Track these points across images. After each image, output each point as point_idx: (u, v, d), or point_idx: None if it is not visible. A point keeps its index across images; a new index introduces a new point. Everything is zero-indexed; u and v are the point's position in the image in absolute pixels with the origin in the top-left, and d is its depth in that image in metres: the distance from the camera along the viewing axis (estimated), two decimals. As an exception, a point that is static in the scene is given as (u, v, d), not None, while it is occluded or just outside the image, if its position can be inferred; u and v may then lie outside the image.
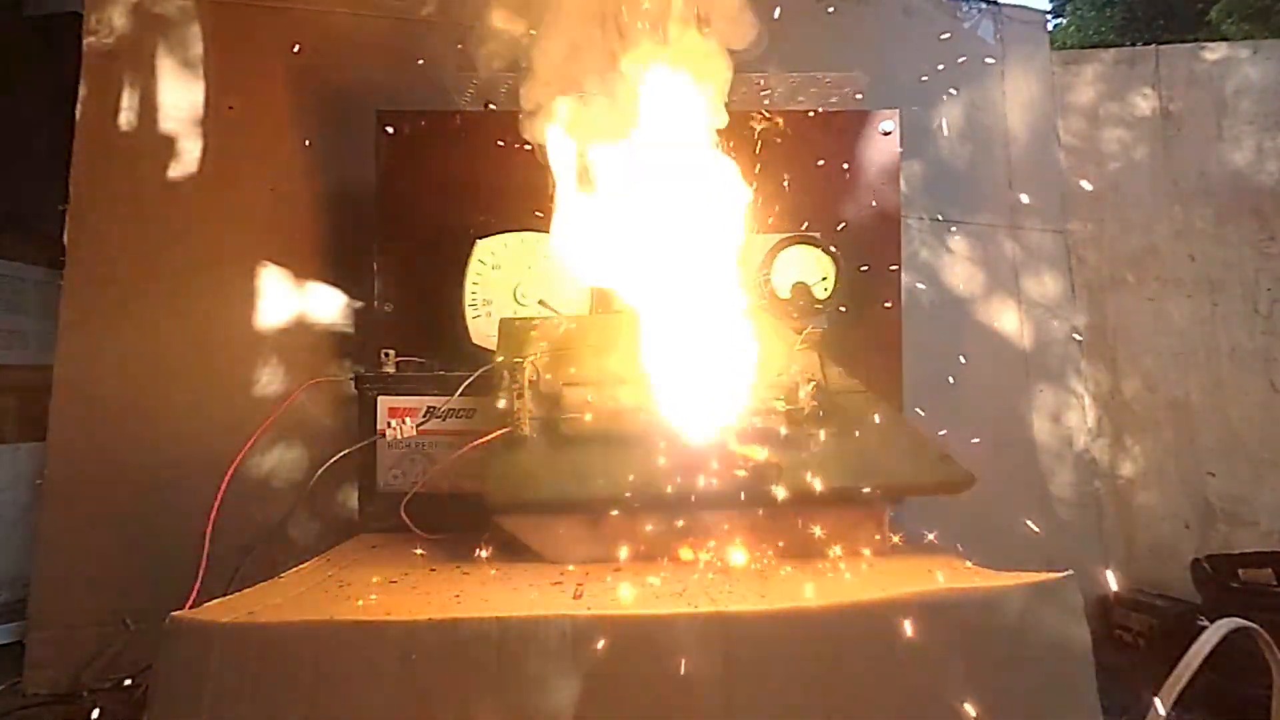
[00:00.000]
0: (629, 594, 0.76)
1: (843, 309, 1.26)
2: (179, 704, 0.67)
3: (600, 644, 0.65)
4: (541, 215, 1.14)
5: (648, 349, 0.97)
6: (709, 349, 0.96)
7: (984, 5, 2.03)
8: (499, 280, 1.27)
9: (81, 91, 1.50)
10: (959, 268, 1.91)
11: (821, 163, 1.33)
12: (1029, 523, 1.77)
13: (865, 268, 1.30)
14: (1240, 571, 1.63)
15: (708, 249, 1.02)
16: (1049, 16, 6.50)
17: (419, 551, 0.96)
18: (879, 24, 1.92)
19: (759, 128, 1.29)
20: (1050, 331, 1.96)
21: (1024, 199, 1.95)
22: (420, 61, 1.46)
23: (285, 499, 1.39)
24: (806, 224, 1.30)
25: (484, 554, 0.91)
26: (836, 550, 0.91)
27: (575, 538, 0.91)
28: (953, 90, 1.92)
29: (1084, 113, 2.06)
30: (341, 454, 1.05)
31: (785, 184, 1.29)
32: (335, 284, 1.57)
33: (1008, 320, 1.93)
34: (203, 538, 0.90)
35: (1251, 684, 0.94)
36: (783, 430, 0.96)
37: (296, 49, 1.56)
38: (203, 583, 0.87)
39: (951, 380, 1.75)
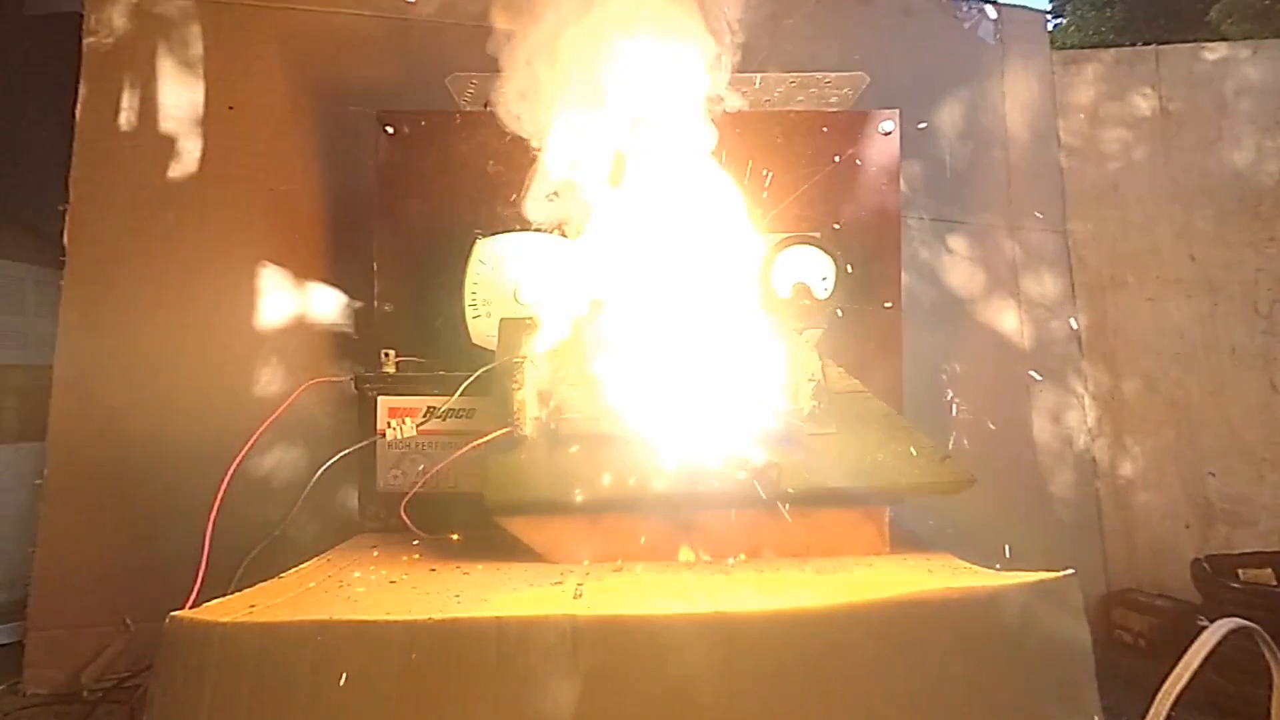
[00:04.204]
0: (629, 594, 0.76)
1: (840, 312, 1.26)
2: (179, 704, 0.67)
3: (600, 644, 0.65)
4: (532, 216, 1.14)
5: (648, 349, 0.97)
6: (709, 349, 0.96)
7: (984, 5, 2.03)
8: (499, 280, 1.27)
9: (81, 91, 1.50)
10: (959, 268, 1.91)
11: (822, 163, 1.33)
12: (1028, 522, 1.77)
13: (850, 268, 1.29)
14: (1240, 571, 1.63)
15: (708, 250, 1.02)
16: (1049, 16, 6.51)
17: (414, 546, 0.96)
18: (879, 24, 1.92)
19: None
20: (1050, 331, 1.96)
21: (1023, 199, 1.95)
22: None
23: (285, 499, 1.38)
24: (806, 224, 1.30)
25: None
26: (837, 550, 0.91)
27: (575, 538, 0.91)
28: (953, 90, 1.92)
29: (1084, 113, 2.06)
30: (341, 454, 1.05)
31: (786, 184, 1.29)
32: (335, 284, 1.57)
33: (1008, 320, 1.93)
34: (203, 538, 0.90)
35: (1251, 684, 0.94)
36: (783, 430, 0.96)
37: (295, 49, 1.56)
38: (203, 583, 0.87)
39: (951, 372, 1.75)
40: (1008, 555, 0.79)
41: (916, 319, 1.60)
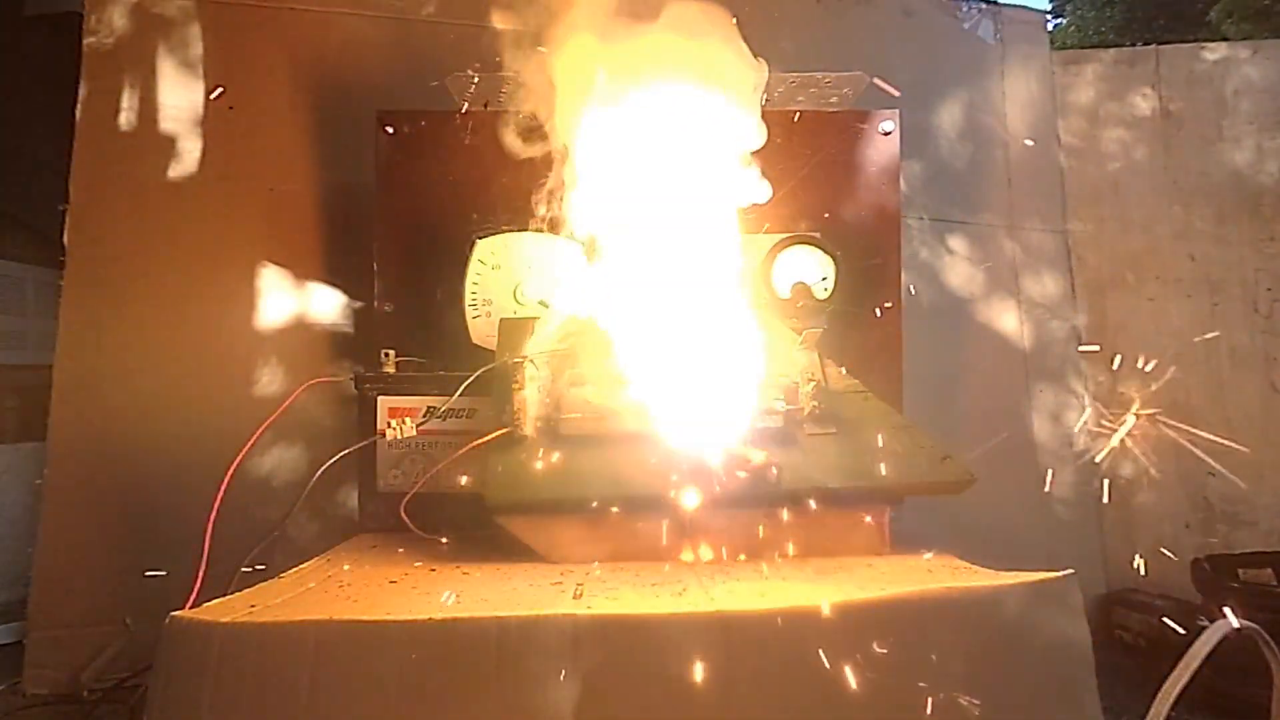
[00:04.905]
0: (629, 594, 0.76)
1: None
2: (179, 704, 0.67)
3: (600, 644, 0.65)
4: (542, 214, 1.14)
5: (647, 350, 0.97)
6: (709, 349, 0.96)
7: (984, 5, 2.03)
8: (499, 280, 1.27)
9: (81, 91, 1.50)
10: (959, 268, 1.91)
11: (821, 163, 1.33)
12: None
13: (873, 260, 1.29)
14: (1240, 571, 1.63)
15: (708, 248, 1.02)
16: (1049, 16, 6.51)
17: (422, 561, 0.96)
18: (879, 24, 1.92)
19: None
20: (1050, 331, 1.96)
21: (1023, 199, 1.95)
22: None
23: (285, 499, 1.39)
24: (806, 224, 1.30)
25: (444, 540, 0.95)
26: (837, 550, 0.91)
27: (575, 538, 0.91)
28: (953, 90, 1.93)
29: (1084, 113, 2.06)
30: (341, 454, 1.05)
31: (785, 184, 1.29)
32: (335, 284, 1.57)
33: (1008, 320, 1.93)
34: (203, 538, 0.90)
35: (1251, 684, 0.93)
36: (783, 430, 0.96)
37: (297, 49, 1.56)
38: (203, 583, 0.87)
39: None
40: (1008, 556, 0.78)
41: (916, 319, 1.59)
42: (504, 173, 1.22)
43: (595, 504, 0.90)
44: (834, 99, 1.37)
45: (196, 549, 0.90)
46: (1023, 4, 2.11)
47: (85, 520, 1.43)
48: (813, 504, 0.91)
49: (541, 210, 1.13)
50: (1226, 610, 0.82)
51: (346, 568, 0.89)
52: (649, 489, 0.90)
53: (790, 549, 0.90)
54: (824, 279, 1.27)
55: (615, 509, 0.90)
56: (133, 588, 1.40)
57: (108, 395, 1.46)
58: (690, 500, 0.90)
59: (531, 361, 0.98)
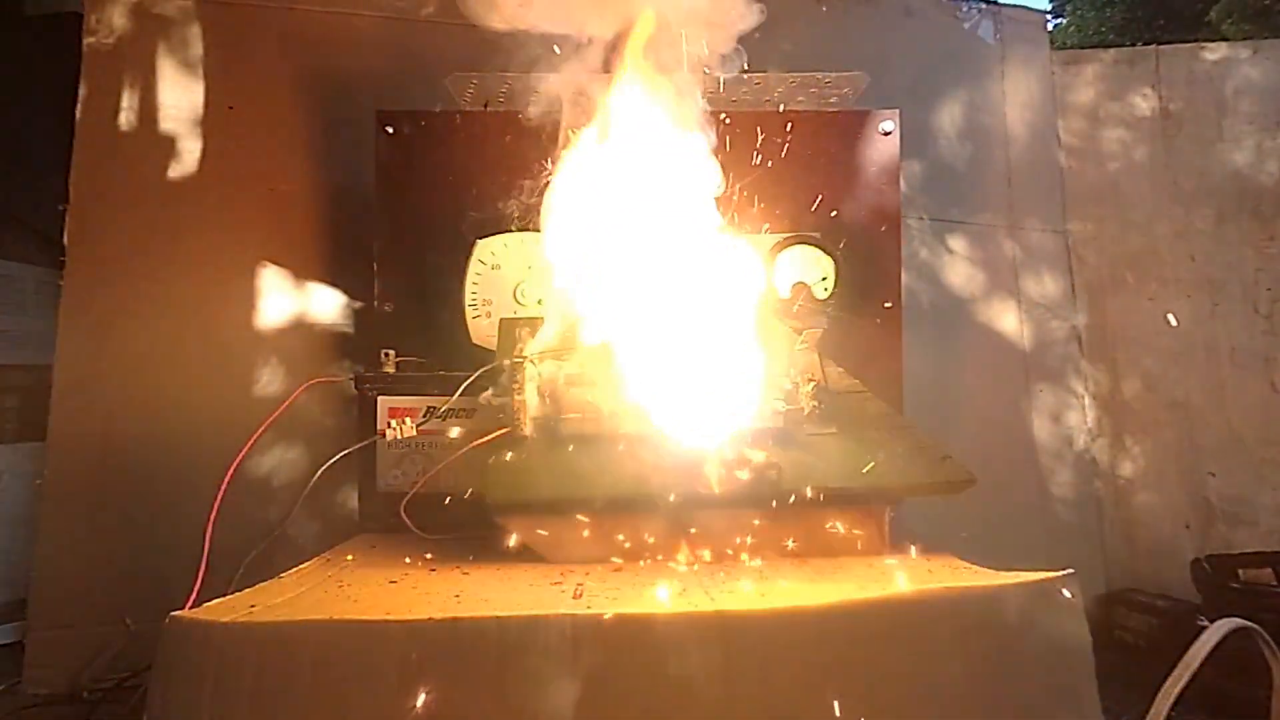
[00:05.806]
0: (629, 594, 0.76)
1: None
2: (179, 704, 0.67)
3: (600, 644, 0.65)
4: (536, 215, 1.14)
5: (648, 350, 0.97)
6: (709, 350, 0.96)
7: (984, 5, 2.03)
8: (499, 280, 1.27)
9: (81, 91, 1.50)
10: (959, 268, 1.91)
11: (822, 163, 1.33)
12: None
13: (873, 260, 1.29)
14: (1240, 571, 1.63)
15: (705, 250, 1.02)
16: (1049, 16, 6.51)
17: (429, 553, 0.96)
18: (879, 24, 1.92)
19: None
20: (1050, 331, 1.96)
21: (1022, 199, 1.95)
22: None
23: (285, 499, 1.39)
24: (806, 224, 1.30)
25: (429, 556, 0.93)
26: (837, 550, 0.91)
27: (575, 538, 0.91)
28: (953, 90, 1.93)
29: (1084, 113, 2.06)
30: (341, 454, 1.05)
31: (785, 184, 1.29)
32: (335, 284, 1.57)
33: (1008, 320, 1.93)
34: (203, 538, 0.90)
35: (1251, 684, 0.94)
36: (783, 430, 0.96)
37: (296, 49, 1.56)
38: (203, 583, 0.87)
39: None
40: (1008, 556, 0.78)
41: (916, 319, 1.60)
42: (505, 173, 1.22)
43: (595, 504, 0.90)
44: (834, 99, 1.37)
45: (196, 549, 0.90)
46: (1023, 4, 2.11)
47: (85, 520, 1.43)
48: (813, 504, 0.91)
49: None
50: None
51: (349, 557, 0.89)
52: (649, 489, 0.90)
53: (790, 549, 0.90)
54: (824, 279, 1.27)
55: (615, 509, 0.90)
56: (133, 588, 1.40)
57: (108, 395, 1.46)
58: (690, 500, 0.90)
59: (531, 361, 0.98)
